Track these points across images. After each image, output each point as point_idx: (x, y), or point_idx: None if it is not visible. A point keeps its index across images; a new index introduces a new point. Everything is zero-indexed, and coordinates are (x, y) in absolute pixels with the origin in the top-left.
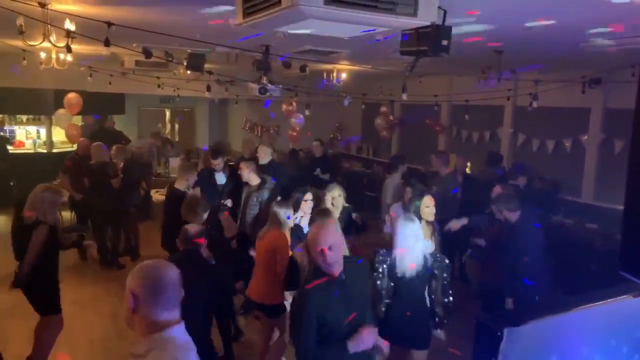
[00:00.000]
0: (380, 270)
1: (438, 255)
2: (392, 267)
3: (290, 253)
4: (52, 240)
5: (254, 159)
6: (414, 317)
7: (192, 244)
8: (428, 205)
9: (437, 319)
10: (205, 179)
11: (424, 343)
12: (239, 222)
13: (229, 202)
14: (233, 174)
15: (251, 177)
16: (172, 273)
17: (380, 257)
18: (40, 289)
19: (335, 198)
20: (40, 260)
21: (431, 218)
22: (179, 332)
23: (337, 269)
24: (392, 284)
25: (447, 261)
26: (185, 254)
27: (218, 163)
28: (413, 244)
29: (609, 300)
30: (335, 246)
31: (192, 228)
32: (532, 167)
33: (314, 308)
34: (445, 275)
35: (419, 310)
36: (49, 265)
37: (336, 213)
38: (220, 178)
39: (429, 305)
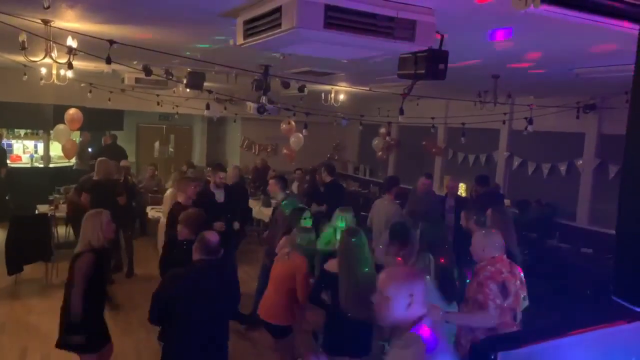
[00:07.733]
0: None
1: None
2: None
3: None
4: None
5: (280, 176)
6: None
7: (213, 254)
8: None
9: None
10: (206, 197)
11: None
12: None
13: (236, 225)
14: (228, 192)
15: (278, 193)
16: None
17: None
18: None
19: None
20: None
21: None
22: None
23: None
24: None
25: None
26: (207, 266)
27: (223, 176)
28: None
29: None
30: None
31: (213, 237)
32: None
33: None
34: None
35: None
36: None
37: None
38: (219, 195)
39: None
